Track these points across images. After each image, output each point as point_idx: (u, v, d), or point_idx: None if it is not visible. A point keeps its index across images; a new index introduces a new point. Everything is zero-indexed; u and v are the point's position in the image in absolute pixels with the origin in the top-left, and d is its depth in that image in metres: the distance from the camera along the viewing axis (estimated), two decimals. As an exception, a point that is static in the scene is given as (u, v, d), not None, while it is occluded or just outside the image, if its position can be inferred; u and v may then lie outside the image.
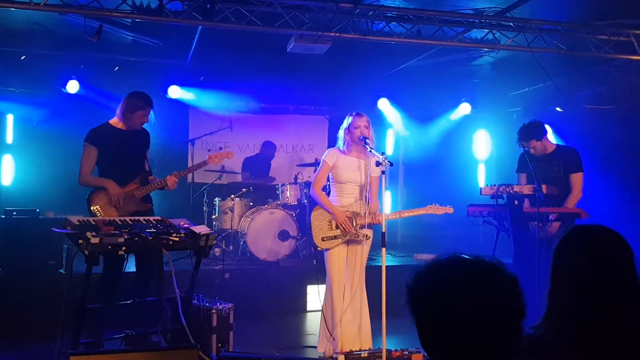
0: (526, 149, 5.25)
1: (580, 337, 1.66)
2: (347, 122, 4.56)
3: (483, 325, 1.23)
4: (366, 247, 4.57)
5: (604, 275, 1.70)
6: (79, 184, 4.71)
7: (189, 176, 7.93)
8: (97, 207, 4.59)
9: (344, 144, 4.56)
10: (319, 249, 4.61)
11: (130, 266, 4.78)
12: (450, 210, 4.60)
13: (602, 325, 1.66)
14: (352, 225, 4.46)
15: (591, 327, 1.66)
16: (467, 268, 1.30)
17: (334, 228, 4.49)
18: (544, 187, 4.79)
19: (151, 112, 4.85)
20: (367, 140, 4.42)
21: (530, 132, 5.20)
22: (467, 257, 1.33)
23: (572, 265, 1.74)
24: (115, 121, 4.81)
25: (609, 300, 1.67)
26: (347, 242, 4.53)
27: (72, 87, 7.67)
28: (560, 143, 5.79)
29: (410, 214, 4.69)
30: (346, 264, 4.54)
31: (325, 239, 4.50)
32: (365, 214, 4.45)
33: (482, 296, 1.25)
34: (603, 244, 1.75)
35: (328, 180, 4.72)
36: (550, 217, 4.89)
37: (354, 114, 4.57)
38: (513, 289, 1.29)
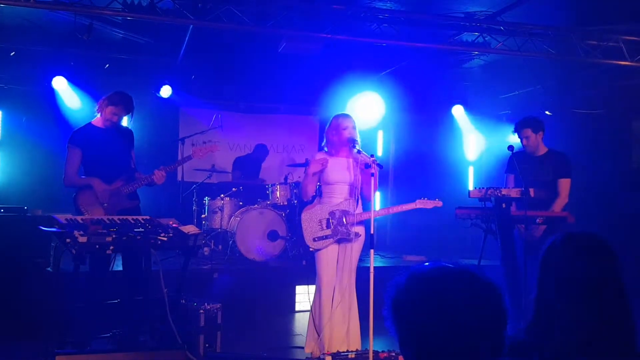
0: (515, 151, 5.28)
1: (568, 343, 1.68)
2: (334, 123, 4.56)
3: (465, 334, 1.24)
4: (357, 247, 4.56)
5: (591, 282, 1.71)
6: (64, 185, 4.69)
7: (179, 175, 7.91)
8: (85, 206, 4.57)
9: (331, 146, 4.56)
10: (310, 249, 4.60)
11: (118, 265, 4.77)
12: (439, 203, 4.58)
13: (590, 332, 1.67)
14: (343, 223, 4.46)
15: (579, 333, 1.68)
16: (447, 278, 1.30)
17: (325, 228, 4.50)
18: (531, 190, 4.82)
19: (125, 115, 4.81)
20: (356, 143, 4.43)
21: (527, 121, 5.23)
22: (447, 265, 1.33)
23: (560, 272, 1.75)
24: (97, 120, 4.79)
25: (596, 306, 1.69)
26: (338, 242, 4.53)
27: (59, 83, 7.61)
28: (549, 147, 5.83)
29: (400, 209, 4.62)
30: (336, 264, 4.55)
31: (316, 239, 4.49)
32: (354, 211, 4.45)
33: (464, 305, 1.25)
34: (591, 251, 1.76)
35: (319, 181, 4.73)
36: (537, 220, 4.93)
37: (340, 115, 4.58)
38: (494, 297, 1.29)
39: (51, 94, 7.77)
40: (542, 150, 5.31)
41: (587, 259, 1.74)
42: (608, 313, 1.69)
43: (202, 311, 4.32)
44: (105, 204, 4.59)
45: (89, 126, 4.79)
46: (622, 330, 1.69)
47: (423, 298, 1.28)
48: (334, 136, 4.53)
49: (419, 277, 1.31)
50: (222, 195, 7.41)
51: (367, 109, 9.01)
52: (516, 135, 5.34)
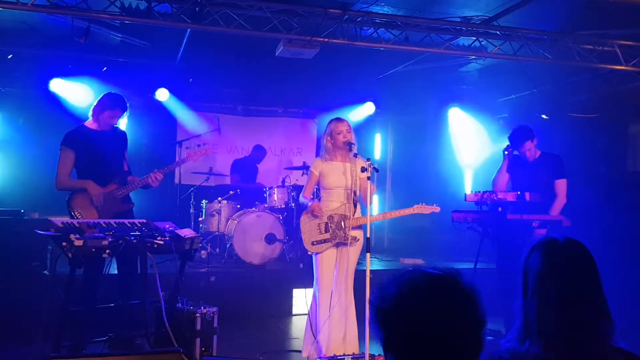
0: (512, 156, 5.31)
1: (551, 349, 1.69)
2: (328, 129, 4.59)
3: (444, 337, 1.28)
4: (355, 250, 4.58)
5: (569, 287, 1.73)
6: (56, 188, 4.64)
7: (176, 178, 7.93)
8: (78, 209, 4.56)
9: (327, 152, 4.58)
10: (309, 253, 4.62)
11: (114, 269, 4.77)
12: (437, 209, 4.58)
13: (569, 337, 1.69)
14: (341, 227, 4.47)
15: (559, 338, 1.69)
16: (427, 283, 1.34)
17: (323, 232, 4.51)
18: (527, 194, 4.85)
19: (122, 115, 4.79)
20: (352, 146, 4.45)
21: (524, 134, 5.27)
22: (427, 271, 1.37)
23: (539, 277, 1.77)
24: (90, 122, 4.78)
25: (574, 311, 1.70)
26: (336, 246, 4.54)
27: (56, 86, 7.62)
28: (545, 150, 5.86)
29: (398, 214, 4.66)
30: (335, 268, 4.56)
31: (315, 242, 4.51)
32: (352, 216, 4.46)
33: (443, 309, 1.30)
34: (567, 256, 1.78)
35: (318, 185, 4.74)
36: (533, 224, 4.95)
37: (333, 119, 4.61)
38: (473, 301, 1.33)
39: (48, 96, 7.77)
40: (537, 153, 5.35)
41: (565, 264, 1.76)
42: (583, 317, 1.71)
43: (198, 315, 4.31)
44: (100, 208, 4.58)
45: (82, 128, 4.77)
46: (596, 333, 1.70)
47: (404, 303, 1.32)
48: (329, 142, 4.56)
49: (400, 282, 1.35)
50: (220, 198, 7.41)
51: (364, 112, 9.06)
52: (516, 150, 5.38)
